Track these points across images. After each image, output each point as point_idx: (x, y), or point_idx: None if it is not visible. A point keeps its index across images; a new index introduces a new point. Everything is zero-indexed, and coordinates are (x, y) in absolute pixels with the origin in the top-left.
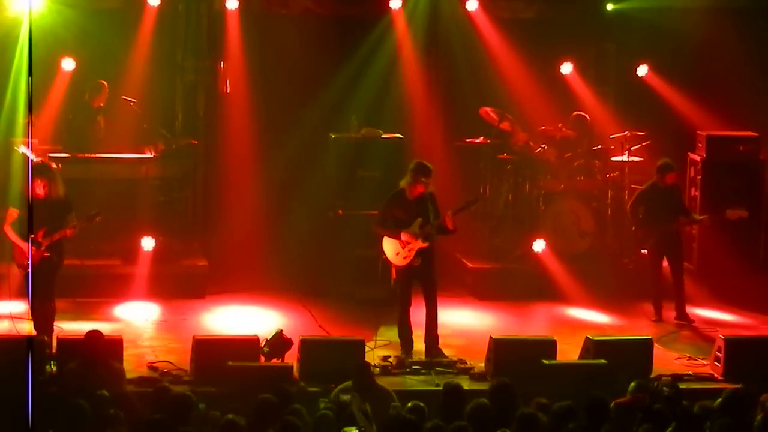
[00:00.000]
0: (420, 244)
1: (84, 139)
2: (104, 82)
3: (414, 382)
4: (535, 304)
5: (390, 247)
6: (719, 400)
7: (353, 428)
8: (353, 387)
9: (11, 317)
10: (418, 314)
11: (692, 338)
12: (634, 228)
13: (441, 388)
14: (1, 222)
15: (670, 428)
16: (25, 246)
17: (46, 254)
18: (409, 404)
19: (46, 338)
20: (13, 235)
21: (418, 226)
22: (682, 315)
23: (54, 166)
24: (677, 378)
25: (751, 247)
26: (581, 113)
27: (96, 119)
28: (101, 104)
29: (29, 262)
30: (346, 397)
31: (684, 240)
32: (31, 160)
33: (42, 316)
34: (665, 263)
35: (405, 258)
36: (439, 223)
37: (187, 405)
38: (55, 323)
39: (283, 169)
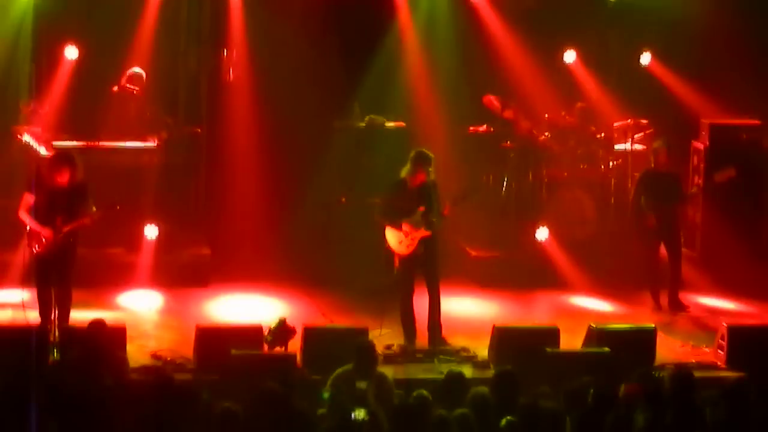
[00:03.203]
0: (422, 233)
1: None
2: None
3: (417, 371)
4: (538, 292)
5: (393, 236)
6: (720, 387)
7: (362, 410)
8: (354, 369)
9: (22, 305)
10: (421, 303)
11: (695, 326)
12: (633, 215)
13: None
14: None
15: (670, 416)
16: (43, 231)
17: (65, 241)
18: (414, 393)
19: (49, 326)
20: (30, 221)
21: (420, 216)
22: (675, 303)
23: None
24: (684, 366)
25: (754, 234)
26: (584, 104)
27: (130, 107)
28: (136, 91)
29: (46, 247)
30: (362, 384)
31: (682, 226)
32: (53, 147)
33: (60, 303)
34: (663, 251)
35: (408, 247)
36: (440, 212)
37: (191, 394)
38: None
39: (287, 157)
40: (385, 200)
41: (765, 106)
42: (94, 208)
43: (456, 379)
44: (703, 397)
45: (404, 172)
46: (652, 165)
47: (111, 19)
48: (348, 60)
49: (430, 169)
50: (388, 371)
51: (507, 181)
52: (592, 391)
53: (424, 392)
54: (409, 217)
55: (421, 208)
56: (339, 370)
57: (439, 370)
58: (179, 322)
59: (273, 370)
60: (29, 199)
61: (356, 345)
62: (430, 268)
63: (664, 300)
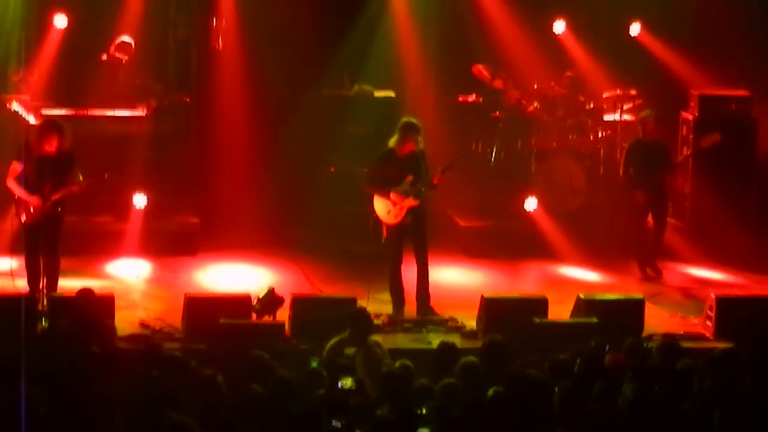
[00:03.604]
0: (410, 202)
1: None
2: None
3: (405, 341)
4: (526, 262)
5: (381, 205)
6: (708, 358)
7: (350, 378)
8: (349, 336)
9: (11, 273)
10: (409, 272)
11: (684, 297)
12: (624, 187)
13: (432, 346)
14: (3, 176)
15: (657, 387)
16: (31, 200)
17: (53, 209)
18: (397, 363)
19: (37, 295)
20: (18, 189)
21: (408, 185)
22: (653, 267)
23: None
24: (672, 337)
25: (742, 205)
26: (573, 73)
27: (118, 75)
28: (124, 60)
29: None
30: (350, 351)
31: (670, 195)
32: (42, 115)
33: (48, 271)
34: (650, 221)
35: (396, 216)
36: (429, 181)
37: (179, 363)
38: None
39: (275, 126)
40: (373, 169)
41: (754, 77)
42: (81, 177)
43: (449, 349)
44: (691, 367)
45: (392, 142)
46: (640, 135)
47: None
48: (337, 29)
49: (418, 138)
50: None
51: (496, 151)
52: (578, 361)
53: (407, 362)
54: (397, 186)
55: (409, 178)
56: (334, 339)
57: (428, 340)
58: (168, 291)
59: (261, 339)
60: (17, 167)
61: (351, 311)
62: (419, 237)
63: (654, 268)
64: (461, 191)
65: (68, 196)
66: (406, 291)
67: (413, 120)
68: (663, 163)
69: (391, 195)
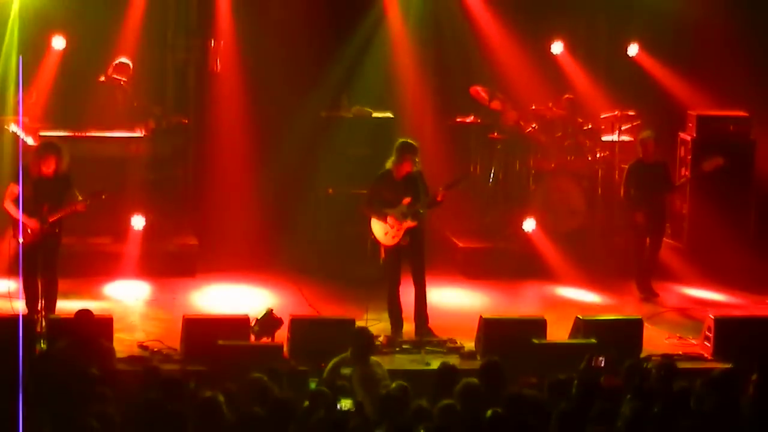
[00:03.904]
0: (408, 224)
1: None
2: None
3: (404, 362)
4: (525, 282)
5: (378, 227)
6: (707, 379)
7: (349, 400)
8: (352, 355)
9: (8, 295)
10: (407, 293)
11: (682, 317)
12: (625, 208)
13: (431, 367)
14: (1, 198)
15: (656, 408)
16: (29, 222)
17: (51, 231)
18: (394, 384)
19: (36, 316)
20: (16, 211)
21: (405, 207)
22: (647, 288)
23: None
24: (670, 357)
25: (741, 226)
26: (571, 95)
27: (117, 97)
28: (123, 82)
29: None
30: (347, 371)
31: (668, 216)
32: (40, 137)
33: (47, 292)
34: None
35: (393, 238)
36: (430, 199)
37: (177, 385)
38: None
39: (274, 147)
40: (370, 191)
41: (752, 98)
42: (80, 197)
43: (449, 370)
44: (689, 388)
45: (390, 163)
46: (641, 156)
47: (98, 9)
48: (335, 50)
49: (415, 159)
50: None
51: (494, 172)
52: (576, 381)
53: (404, 383)
54: (394, 209)
55: (407, 200)
56: (335, 359)
57: (426, 361)
58: (166, 313)
59: (260, 360)
60: (15, 189)
61: (353, 331)
62: (417, 258)
63: (647, 290)
64: (460, 212)
65: (68, 216)
66: (404, 312)
67: (410, 141)
68: (663, 184)
69: (388, 218)
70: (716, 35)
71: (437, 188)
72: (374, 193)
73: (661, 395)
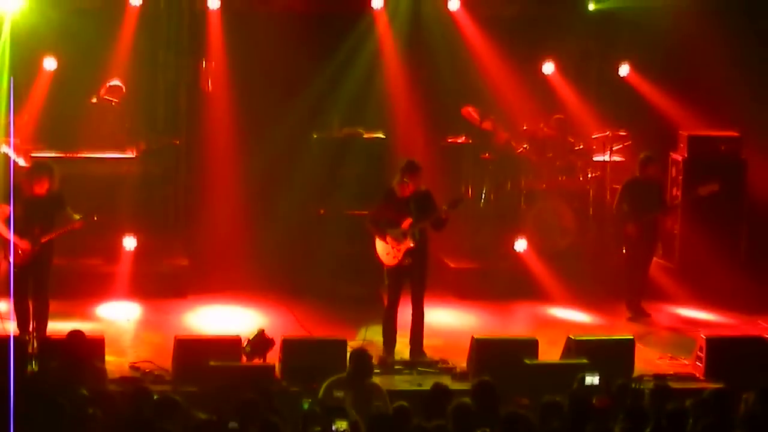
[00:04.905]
0: (407, 244)
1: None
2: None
3: (396, 382)
4: (516, 303)
5: (380, 246)
6: (699, 399)
7: (344, 422)
8: (349, 377)
9: (0, 316)
10: (405, 313)
11: (674, 337)
12: (616, 221)
13: (423, 387)
14: None
15: (649, 428)
16: (21, 243)
17: (43, 251)
18: (394, 405)
19: (27, 337)
20: (7, 232)
21: (407, 226)
22: (637, 308)
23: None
24: (662, 378)
25: (732, 245)
26: (562, 116)
27: (108, 118)
28: (114, 103)
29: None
30: (339, 394)
31: (660, 236)
32: (32, 158)
33: (38, 313)
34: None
35: (394, 258)
36: (436, 218)
37: (170, 406)
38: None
39: (265, 167)
40: (375, 210)
41: (743, 118)
42: (76, 216)
43: (441, 391)
44: (682, 409)
45: (394, 182)
46: (637, 174)
47: (90, 31)
48: (326, 71)
49: (418, 179)
50: None
51: (486, 193)
52: (568, 402)
53: (404, 404)
54: (395, 229)
55: (408, 221)
56: (331, 379)
57: (418, 381)
58: (158, 333)
59: (251, 381)
60: (5, 209)
61: (353, 352)
62: (417, 280)
63: (639, 310)
64: (451, 233)
65: (58, 238)
66: (399, 333)
67: (413, 161)
68: (656, 204)
69: (387, 237)
70: (707, 56)
71: (440, 207)
72: (379, 211)
73: (654, 416)
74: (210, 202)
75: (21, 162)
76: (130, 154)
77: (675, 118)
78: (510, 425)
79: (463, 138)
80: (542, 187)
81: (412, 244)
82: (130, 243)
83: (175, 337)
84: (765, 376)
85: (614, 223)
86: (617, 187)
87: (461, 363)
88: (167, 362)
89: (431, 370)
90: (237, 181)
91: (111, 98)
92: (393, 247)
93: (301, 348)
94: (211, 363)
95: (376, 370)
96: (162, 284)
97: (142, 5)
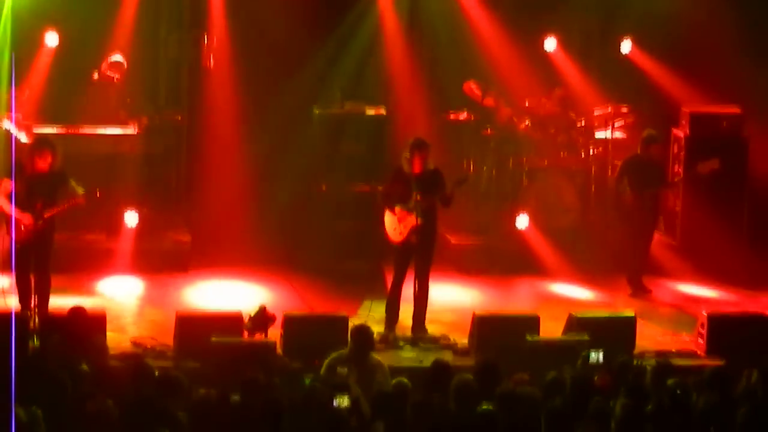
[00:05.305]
0: (412, 220)
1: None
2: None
3: (397, 358)
4: (518, 279)
5: (388, 221)
6: (701, 376)
7: (345, 396)
8: (350, 353)
9: (1, 292)
10: (407, 289)
11: (675, 314)
12: (616, 196)
13: (424, 364)
14: None
15: (650, 405)
16: (23, 218)
17: (44, 227)
18: (394, 381)
19: (28, 313)
20: (9, 207)
21: (413, 203)
22: (638, 284)
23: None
24: (663, 355)
25: (734, 222)
26: (563, 90)
27: (110, 93)
28: (116, 79)
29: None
30: (343, 371)
31: (661, 213)
32: (34, 134)
33: (39, 289)
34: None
35: (400, 234)
36: (442, 195)
37: (172, 384)
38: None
39: (267, 143)
40: (386, 185)
41: (745, 94)
42: (80, 189)
43: (442, 367)
44: (683, 385)
45: (403, 159)
46: (639, 152)
47: (91, 6)
48: (328, 46)
49: (427, 156)
50: None
51: (487, 169)
52: (569, 379)
53: (404, 380)
54: (403, 204)
55: (418, 197)
56: (333, 355)
57: (419, 358)
58: (159, 309)
59: (253, 357)
60: (8, 185)
61: (354, 328)
62: (422, 258)
63: (640, 286)
64: (453, 209)
65: (60, 214)
66: (402, 309)
67: (420, 138)
68: (657, 180)
69: (396, 209)
70: (709, 32)
71: (447, 185)
72: (390, 187)
73: (655, 393)
74: (211, 177)
75: (22, 138)
76: (131, 131)
77: (677, 94)
78: (509, 402)
79: (465, 114)
80: (544, 164)
81: (417, 222)
82: (131, 218)
83: (176, 313)
84: (766, 353)
85: (615, 198)
86: (619, 162)
87: (462, 339)
88: (169, 338)
89: (432, 347)
90: (238, 157)
91: (113, 74)
92: (399, 222)
93: (303, 324)
94: (213, 339)
95: (377, 346)
96: (163, 260)
97: None
